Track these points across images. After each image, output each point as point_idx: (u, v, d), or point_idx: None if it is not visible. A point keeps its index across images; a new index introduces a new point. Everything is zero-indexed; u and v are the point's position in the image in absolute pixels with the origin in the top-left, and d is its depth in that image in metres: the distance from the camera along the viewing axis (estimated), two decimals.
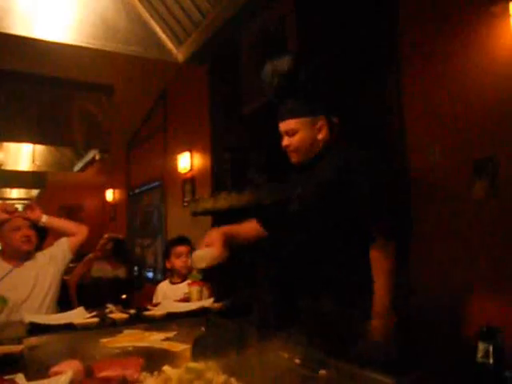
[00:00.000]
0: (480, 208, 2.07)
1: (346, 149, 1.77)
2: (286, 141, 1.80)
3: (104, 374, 1.18)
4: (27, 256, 2.47)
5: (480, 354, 0.72)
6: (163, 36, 3.27)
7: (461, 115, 2.19)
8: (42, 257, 2.56)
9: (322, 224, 1.71)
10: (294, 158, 1.83)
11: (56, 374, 1.11)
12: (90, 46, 2.85)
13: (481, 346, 0.72)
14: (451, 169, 2.22)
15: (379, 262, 1.58)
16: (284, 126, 1.79)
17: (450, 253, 2.20)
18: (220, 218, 4.01)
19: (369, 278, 1.59)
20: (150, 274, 6.01)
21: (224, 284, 3.70)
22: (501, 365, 0.70)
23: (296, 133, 1.76)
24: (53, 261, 2.57)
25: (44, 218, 2.61)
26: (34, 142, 4.78)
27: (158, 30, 3.21)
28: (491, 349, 0.71)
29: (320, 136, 1.78)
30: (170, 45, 3.28)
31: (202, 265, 1.78)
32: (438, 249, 2.25)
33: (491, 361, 0.70)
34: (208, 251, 1.79)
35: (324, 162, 1.77)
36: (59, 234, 2.73)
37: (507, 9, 1.91)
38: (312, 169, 1.81)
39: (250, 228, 2.05)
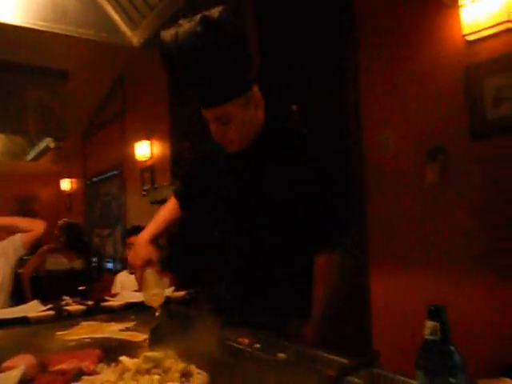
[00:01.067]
0: (432, 192, 2.15)
1: (290, 131, 1.49)
2: (218, 130, 1.39)
3: (59, 367, 1.15)
4: None
5: (428, 332, 0.75)
6: (117, 18, 3.12)
7: (413, 104, 2.26)
8: None
9: (260, 215, 1.47)
10: (232, 148, 1.44)
11: (8, 368, 1.07)
12: (38, 27, 2.70)
13: (428, 324, 0.75)
14: (405, 157, 2.29)
15: (322, 273, 1.45)
16: (214, 112, 1.35)
17: (404, 235, 2.28)
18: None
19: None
20: (110, 265, 5.89)
21: (187, 273, 3.69)
22: (447, 340, 0.73)
23: (231, 119, 1.35)
24: (3, 255, 2.46)
25: None
26: None
27: (110, 11, 3.05)
28: (439, 326, 0.74)
29: (258, 115, 1.43)
30: (124, 27, 3.15)
31: (159, 303, 1.50)
32: (394, 232, 2.33)
33: (438, 337, 0.73)
34: (157, 292, 1.51)
35: (266, 146, 1.45)
36: (12, 231, 2.59)
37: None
38: (252, 154, 1.46)
39: (170, 214, 1.76)
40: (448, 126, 2.10)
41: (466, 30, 1.98)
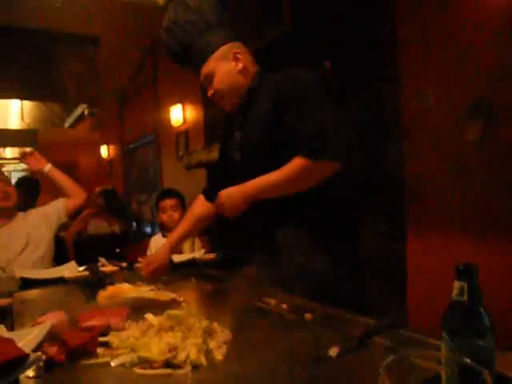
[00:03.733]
0: (474, 150, 2.03)
1: (273, 75, 1.51)
2: (209, 91, 1.57)
3: (89, 323, 1.19)
4: (10, 213, 2.44)
5: (455, 292, 0.70)
6: None
7: (454, 59, 2.11)
8: (34, 214, 2.53)
9: (268, 166, 1.45)
10: (226, 107, 1.60)
11: (40, 323, 1.11)
12: None
13: (456, 284, 0.71)
14: (445, 111, 2.16)
15: (279, 173, 1.39)
16: (201, 75, 1.56)
17: (443, 196, 2.18)
18: (214, 169, 3.98)
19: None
20: (148, 229, 6.06)
21: (220, 236, 3.73)
22: (475, 302, 0.68)
23: (213, 76, 1.53)
24: (47, 219, 2.53)
25: (47, 168, 2.52)
26: (21, 97, 4.66)
27: None
28: (466, 286, 0.69)
29: (239, 66, 1.52)
30: None
31: None
32: (433, 192, 2.23)
33: (465, 298, 0.69)
34: None
35: (256, 97, 1.52)
36: (57, 189, 2.62)
37: None
38: (248, 109, 1.55)
39: (199, 213, 1.83)
40: (494, 79, 1.95)
41: None
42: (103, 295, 1.57)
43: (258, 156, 1.50)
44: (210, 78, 1.54)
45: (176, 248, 1.86)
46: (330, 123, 1.36)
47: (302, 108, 1.37)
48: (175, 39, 1.57)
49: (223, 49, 1.52)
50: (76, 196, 2.61)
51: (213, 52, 1.51)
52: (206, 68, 1.53)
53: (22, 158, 2.54)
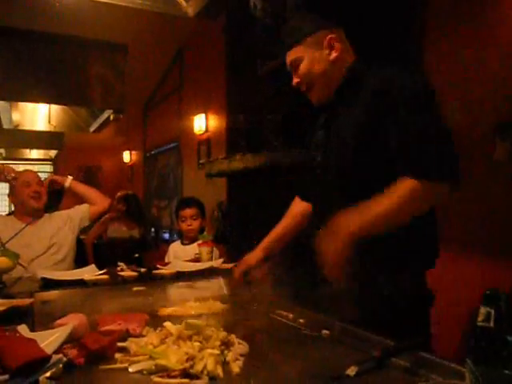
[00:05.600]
0: (500, 171, 2.00)
1: (376, 70, 1.32)
2: (294, 79, 1.42)
3: (108, 327, 1.20)
4: (38, 213, 2.49)
5: (481, 318, 0.69)
6: None
7: (486, 76, 2.09)
8: (58, 217, 2.57)
9: (363, 170, 1.29)
10: (312, 98, 1.43)
11: (60, 325, 1.13)
12: None
13: (482, 310, 0.70)
14: (473, 130, 2.13)
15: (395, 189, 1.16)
16: (287, 60, 1.41)
17: (466, 213, 2.14)
18: (234, 179, 4.00)
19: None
20: (167, 235, 6.10)
21: (237, 245, 3.74)
22: (502, 328, 0.67)
23: (300, 63, 1.37)
24: (70, 223, 2.57)
25: (68, 182, 2.61)
26: (49, 101, 4.77)
27: None
28: (493, 313, 0.68)
29: (333, 55, 1.35)
30: None
31: None
32: (458, 213, 2.19)
33: (492, 324, 0.67)
34: None
35: (352, 93, 1.33)
36: (81, 199, 2.71)
37: None
38: (339, 105, 1.39)
39: (294, 216, 1.70)
40: None
41: None
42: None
43: (345, 159, 1.32)
44: (296, 64, 1.38)
45: (269, 250, 1.70)
46: (443, 137, 1.19)
47: (413, 120, 1.19)
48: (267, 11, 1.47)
49: (316, 35, 1.36)
50: (99, 203, 2.71)
51: (305, 37, 1.36)
52: (294, 53, 1.38)
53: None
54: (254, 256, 1.70)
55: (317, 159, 1.46)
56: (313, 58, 1.36)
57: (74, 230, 2.59)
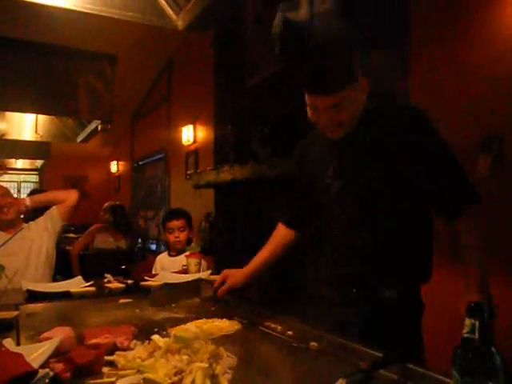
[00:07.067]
0: (482, 186, 2.03)
1: (388, 106, 1.43)
2: (325, 115, 1.35)
3: (94, 341, 1.19)
4: (14, 224, 2.47)
5: (466, 330, 0.71)
6: (162, 1, 3.17)
7: (467, 93, 2.14)
8: (34, 226, 2.57)
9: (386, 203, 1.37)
10: (337, 134, 1.40)
11: (46, 339, 1.11)
12: (87, 10, 2.77)
13: (467, 322, 0.71)
14: (457, 146, 2.17)
15: (473, 233, 1.35)
16: (326, 101, 1.31)
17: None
18: (222, 190, 4.01)
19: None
20: (154, 246, 6.06)
21: (225, 257, 3.73)
22: (486, 340, 0.69)
23: (344, 104, 1.32)
24: (45, 231, 2.56)
25: (27, 202, 2.60)
26: (36, 111, 4.75)
27: None
28: (477, 324, 0.70)
29: (363, 97, 1.37)
30: (169, 11, 3.19)
31: None
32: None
33: (476, 336, 0.69)
34: None
35: (368, 128, 1.39)
36: (53, 204, 2.69)
37: None
38: (357, 137, 1.40)
39: (276, 244, 1.72)
40: (507, 113, 1.97)
41: None
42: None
43: (369, 190, 1.38)
44: (339, 107, 1.32)
45: (253, 275, 1.73)
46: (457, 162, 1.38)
47: (446, 160, 1.37)
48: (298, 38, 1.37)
49: (361, 80, 1.34)
50: (64, 199, 2.67)
51: (351, 83, 1.31)
52: (336, 98, 1.30)
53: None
54: (240, 279, 1.70)
55: (331, 187, 1.47)
56: (356, 101, 1.35)
57: (51, 235, 2.58)
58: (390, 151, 1.36)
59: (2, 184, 2.69)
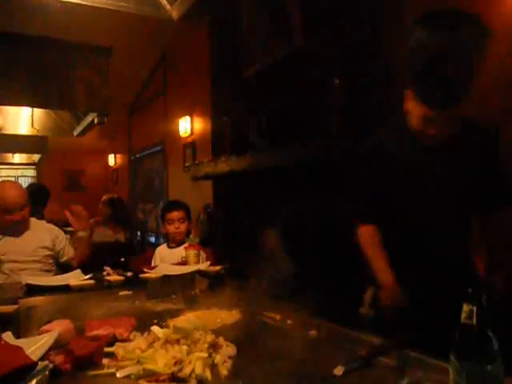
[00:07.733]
0: None
1: (469, 121, 1.54)
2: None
3: (94, 332, 1.19)
4: (18, 226, 2.36)
5: (464, 315, 0.71)
6: None
7: None
8: (45, 232, 2.49)
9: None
10: (432, 140, 1.52)
11: (46, 332, 1.11)
12: (81, 1, 2.73)
13: (465, 308, 0.71)
14: None
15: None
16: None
17: None
18: (220, 182, 4.00)
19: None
20: (153, 239, 6.07)
21: (224, 248, 3.74)
22: (484, 326, 0.69)
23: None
24: (53, 247, 2.47)
25: (84, 233, 2.56)
26: (32, 105, 4.71)
27: None
28: (475, 310, 0.70)
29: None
30: (163, 1, 3.15)
31: None
32: None
33: (474, 321, 0.69)
34: None
35: (460, 139, 1.52)
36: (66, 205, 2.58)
37: None
38: (448, 148, 1.52)
39: (381, 244, 1.66)
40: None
41: None
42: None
43: (460, 188, 1.54)
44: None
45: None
46: None
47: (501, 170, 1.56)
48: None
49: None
50: (78, 260, 2.56)
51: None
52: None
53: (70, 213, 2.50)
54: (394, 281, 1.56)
55: (424, 190, 1.58)
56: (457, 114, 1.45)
57: (54, 253, 2.48)
58: (477, 162, 1.52)
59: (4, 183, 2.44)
